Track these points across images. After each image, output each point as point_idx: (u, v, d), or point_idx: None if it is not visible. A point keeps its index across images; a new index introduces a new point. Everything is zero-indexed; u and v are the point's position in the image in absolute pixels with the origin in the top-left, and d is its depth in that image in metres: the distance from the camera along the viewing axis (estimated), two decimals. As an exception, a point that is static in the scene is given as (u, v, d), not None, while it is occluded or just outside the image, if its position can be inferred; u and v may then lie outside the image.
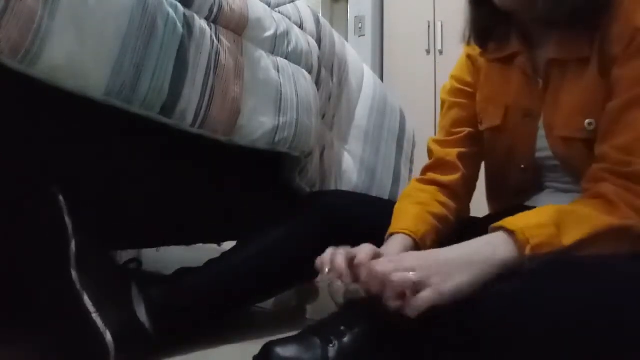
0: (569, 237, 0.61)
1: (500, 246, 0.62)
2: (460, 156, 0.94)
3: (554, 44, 0.79)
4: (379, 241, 0.79)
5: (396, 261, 0.62)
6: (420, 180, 0.96)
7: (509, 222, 0.64)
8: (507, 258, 0.61)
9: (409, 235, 0.80)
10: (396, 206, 0.90)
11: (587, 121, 0.75)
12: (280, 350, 0.62)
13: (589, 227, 0.62)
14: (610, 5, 0.72)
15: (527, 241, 0.60)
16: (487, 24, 0.87)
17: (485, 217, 0.96)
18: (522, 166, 0.87)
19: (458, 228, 0.88)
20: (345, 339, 0.64)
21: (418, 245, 0.80)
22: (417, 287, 0.57)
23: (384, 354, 0.65)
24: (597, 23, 0.73)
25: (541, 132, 0.82)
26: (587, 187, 0.70)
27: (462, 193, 0.94)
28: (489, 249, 0.62)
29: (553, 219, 0.63)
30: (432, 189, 0.92)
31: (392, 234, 0.81)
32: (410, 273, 0.58)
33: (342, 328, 0.65)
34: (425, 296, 0.57)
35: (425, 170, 0.97)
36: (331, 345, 0.63)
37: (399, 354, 0.64)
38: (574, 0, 0.72)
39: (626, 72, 0.70)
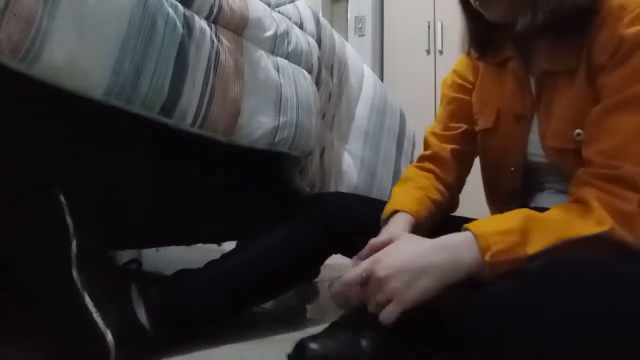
0: (534, 246, 0.62)
1: (465, 250, 0.63)
2: (454, 152, 0.97)
3: (545, 54, 0.80)
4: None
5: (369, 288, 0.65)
6: (419, 167, 0.99)
7: (476, 224, 0.65)
8: (472, 262, 0.63)
9: (412, 215, 0.83)
10: (396, 188, 0.94)
11: (576, 131, 0.75)
12: (315, 346, 0.64)
13: (556, 236, 0.62)
14: (592, 15, 0.73)
15: (489, 247, 0.62)
16: (484, 33, 0.88)
17: None
18: (512, 169, 0.87)
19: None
20: (376, 333, 0.66)
21: (417, 226, 0.84)
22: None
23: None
24: (582, 33, 0.74)
25: (536, 138, 0.83)
26: (573, 192, 0.70)
27: (454, 187, 0.98)
28: (454, 253, 0.64)
29: (521, 225, 0.63)
30: (431, 176, 0.96)
31: (395, 211, 0.84)
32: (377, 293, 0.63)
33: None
34: (391, 309, 0.62)
35: (423, 159, 1.01)
36: (364, 339, 0.66)
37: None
38: (550, 12, 0.72)
39: (611, 79, 0.71)
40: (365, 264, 0.67)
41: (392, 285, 0.62)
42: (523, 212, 0.66)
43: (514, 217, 0.65)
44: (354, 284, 0.67)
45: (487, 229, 0.64)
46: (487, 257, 0.61)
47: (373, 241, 0.74)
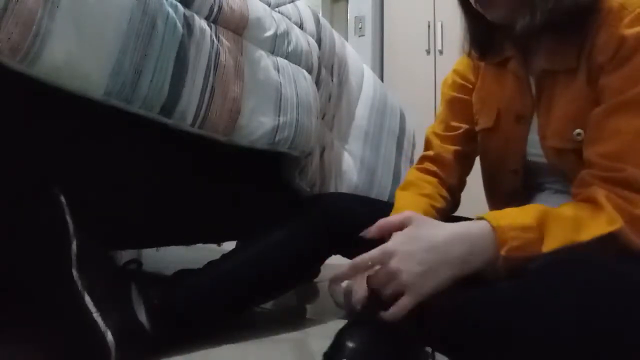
0: (549, 245, 0.61)
1: (483, 241, 0.63)
2: (456, 154, 0.97)
3: (545, 54, 0.80)
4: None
5: (383, 272, 0.63)
6: (421, 170, 0.98)
7: (494, 216, 0.65)
8: (487, 254, 0.62)
9: None
10: (401, 193, 0.92)
11: (576, 131, 0.75)
12: (352, 344, 0.60)
13: (570, 236, 0.62)
14: (592, 14, 0.73)
15: (506, 242, 0.61)
16: (484, 34, 0.88)
17: None
18: (512, 169, 0.87)
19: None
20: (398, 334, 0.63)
21: None
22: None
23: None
24: (582, 33, 0.74)
25: (536, 137, 0.83)
26: (577, 192, 0.70)
27: (456, 189, 0.98)
28: (473, 244, 0.63)
29: (538, 221, 0.63)
30: (434, 181, 0.95)
31: None
32: (389, 283, 0.61)
33: None
34: (404, 302, 0.60)
35: (424, 159, 1.00)
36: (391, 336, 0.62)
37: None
38: (549, 12, 0.72)
39: (612, 80, 0.70)
40: (376, 254, 0.64)
41: (407, 278, 0.60)
42: (539, 207, 0.66)
43: (529, 212, 0.65)
44: (361, 270, 0.64)
45: (506, 222, 0.63)
46: (503, 252, 0.61)
47: (383, 221, 0.69)
